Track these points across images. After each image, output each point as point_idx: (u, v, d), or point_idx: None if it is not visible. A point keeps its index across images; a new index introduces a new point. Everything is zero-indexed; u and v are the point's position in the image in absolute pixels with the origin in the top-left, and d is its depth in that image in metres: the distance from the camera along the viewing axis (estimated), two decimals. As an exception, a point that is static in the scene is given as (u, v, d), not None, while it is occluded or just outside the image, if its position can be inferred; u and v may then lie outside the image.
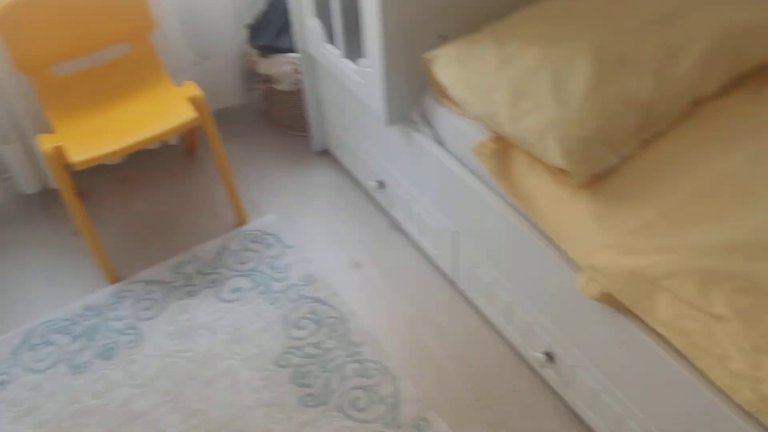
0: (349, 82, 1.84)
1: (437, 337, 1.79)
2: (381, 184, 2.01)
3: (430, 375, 1.71)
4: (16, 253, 2.09)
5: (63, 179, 1.81)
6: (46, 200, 2.21)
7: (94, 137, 1.85)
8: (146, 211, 2.19)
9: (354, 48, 1.75)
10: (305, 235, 2.08)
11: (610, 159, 1.37)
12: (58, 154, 1.77)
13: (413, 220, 1.93)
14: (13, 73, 1.91)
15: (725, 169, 1.36)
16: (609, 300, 1.27)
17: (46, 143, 1.79)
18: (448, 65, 1.52)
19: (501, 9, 1.62)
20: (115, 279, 1.97)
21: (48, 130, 1.91)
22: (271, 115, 2.44)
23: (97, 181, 2.28)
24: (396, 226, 2.07)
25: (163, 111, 1.88)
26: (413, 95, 1.69)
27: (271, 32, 2.20)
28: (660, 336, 1.22)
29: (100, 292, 1.94)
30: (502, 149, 1.47)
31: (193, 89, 1.92)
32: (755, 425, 1.09)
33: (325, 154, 2.35)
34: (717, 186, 1.33)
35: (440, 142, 1.66)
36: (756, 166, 1.35)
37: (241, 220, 2.11)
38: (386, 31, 1.55)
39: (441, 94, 1.60)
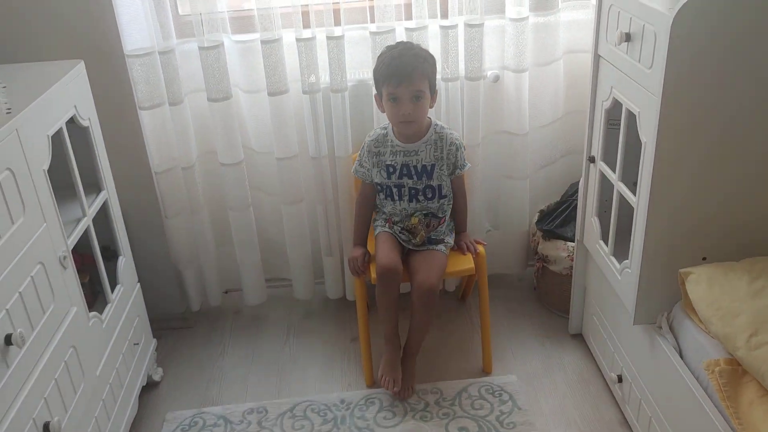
0: (610, 278, 2.05)
1: None
2: (620, 378, 2.12)
3: None
4: (308, 341, 2.62)
5: (361, 288, 2.30)
6: (340, 308, 2.74)
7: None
8: (412, 339, 2.57)
9: (621, 249, 1.98)
10: (537, 403, 2.25)
11: None
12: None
13: (641, 421, 2.00)
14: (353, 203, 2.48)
15: None
16: None
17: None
18: (700, 283, 1.67)
19: (762, 248, 1.74)
20: (371, 383, 2.35)
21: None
22: (539, 291, 2.71)
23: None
24: (626, 422, 2.14)
25: (452, 258, 2.30)
26: (663, 302, 1.84)
27: (557, 220, 2.54)
28: None
29: (356, 391, 2.33)
30: (734, 372, 1.54)
31: (479, 248, 2.30)
32: None
33: (578, 337, 2.52)
34: None
35: (678, 351, 1.77)
36: None
37: (486, 369, 2.38)
38: (647, 246, 1.77)
39: (688, 307, 1.73)
